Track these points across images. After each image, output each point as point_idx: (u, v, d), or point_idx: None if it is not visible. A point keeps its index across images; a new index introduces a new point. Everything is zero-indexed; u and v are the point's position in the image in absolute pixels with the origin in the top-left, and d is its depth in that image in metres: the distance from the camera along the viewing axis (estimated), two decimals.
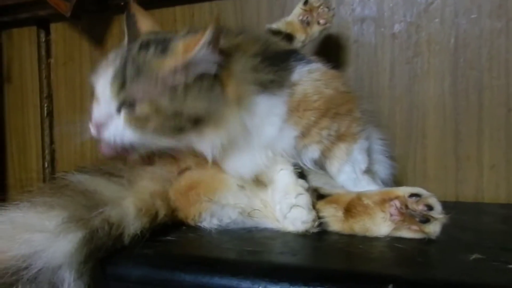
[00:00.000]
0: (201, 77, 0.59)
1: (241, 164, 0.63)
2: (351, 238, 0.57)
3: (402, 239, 0.55)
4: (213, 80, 0.60)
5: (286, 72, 0.66)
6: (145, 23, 0.70)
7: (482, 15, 0.89)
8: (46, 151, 1.31)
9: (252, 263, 0.48)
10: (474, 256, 0.47)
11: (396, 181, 0.90)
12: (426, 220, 0.54)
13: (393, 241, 0.54)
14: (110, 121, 0.60)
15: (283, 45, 0.76)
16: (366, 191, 0.61)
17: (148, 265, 0.50)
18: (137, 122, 0.59)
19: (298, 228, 0.59)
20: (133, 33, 0.68)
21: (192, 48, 0.57)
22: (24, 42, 1.29)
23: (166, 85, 0.58)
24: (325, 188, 0.64)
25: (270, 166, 0.64)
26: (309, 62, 0.70)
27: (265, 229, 0.62)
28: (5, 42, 1.31)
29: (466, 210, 0.79)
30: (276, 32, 0.84)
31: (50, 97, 1.30)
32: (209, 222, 0.62)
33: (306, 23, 0.86)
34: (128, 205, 0.57)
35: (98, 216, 0.52)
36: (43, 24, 1.27)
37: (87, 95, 1.23)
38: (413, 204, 0.55)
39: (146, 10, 1.13)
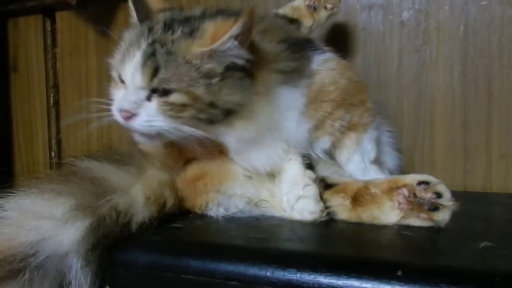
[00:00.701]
0: (232, 67, 0.57)
1: (258, 158, 0.62)
2: (359, 226, 0.56)
3: (411, 227, 0.54)
4: (243, 71, 0.58)
5: (306, 61, 0.65)
6: (154, 1, 0.67)
7: (492, 1, 0.87)
8: (53, 141, 1.32)
9: (259, 249, 0.48)
10: (483, 244, 0.47)
11: (403, 171, 0.89)
12: (435, 208, 0.53)
13: (401, 229, 0.54)
14: (140, 109, 0.57)
15: (298, 32, 0.75)
16: (374, 180, 0.60)
17: (156, 251, 0.50)
18: (171, 110, 0.56)
19: (306, 218, 0.59)
20: (143, 12, 0.64)
21: (219, 37, 0.55)
22: (30, 31, 1.29)
23: (201, 72, 0.56)
24: (333, 178, 0.64)
25: (283, 158, 0.63)
26: (323, 51, 0.69)
27: (272, 217, 0.62)
28: (11, 31, 1.31)
29: (475, 200, 0.79)
30: (283, 18, 0.83)
31: (56, 86, 1.30)
32: (215, 211, 0.62)
33: (313, 8, 0.85)
34: (137, 193, 0.57)
35: (106, 204, 0.52)
36: (49, 13, 1.27)
37: (93, 85, 1.24)
38: (421, 192, 0.54)
39: None
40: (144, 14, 0.64)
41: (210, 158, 0.64)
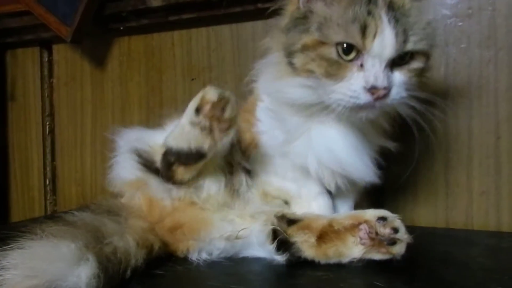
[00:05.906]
0: None
1: None
2: (334, 274, 0.58)
3: (384, 277, 0.56)
4: None
5: None
6: None
7: (471, 45, 0.90)
8: (48, 168, 1.34)
9: None
10: None
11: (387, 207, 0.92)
12: (393, 242, 0.57)
13: (374, 279, 0.56)
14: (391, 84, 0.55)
15: None
16: (336, 216, 0.63)
17: None
18: (416, 76, 0.57)
19: None
20: None
21: None
22: (27, 62, 1.33)
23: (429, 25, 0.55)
24: (295, 213, 0.66)
25: None
26: None
27: (251, 262, 0.64)
28: (10, 62, 1.35)
29: (455, 239, 0.80)
30: None
31: (52, 115, 1.33)
32: (197, 256, 0.65)
33: None
34: (128, 238, 0.59)
35: (109, 245, 0.55)
36: (46, 45, 1.31)
37: (88, 114, 1.27)
38: (380, 228, 0.58)
39: (145, 33, 1.17)
40: None
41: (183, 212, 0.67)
